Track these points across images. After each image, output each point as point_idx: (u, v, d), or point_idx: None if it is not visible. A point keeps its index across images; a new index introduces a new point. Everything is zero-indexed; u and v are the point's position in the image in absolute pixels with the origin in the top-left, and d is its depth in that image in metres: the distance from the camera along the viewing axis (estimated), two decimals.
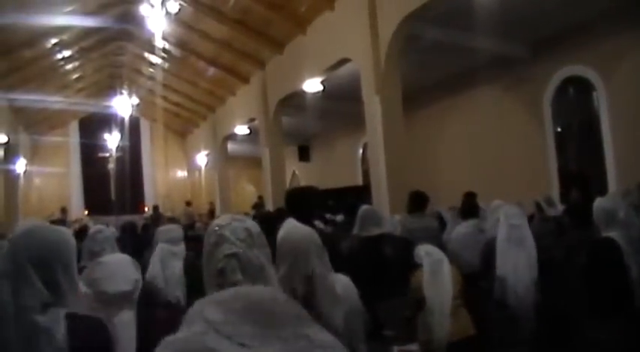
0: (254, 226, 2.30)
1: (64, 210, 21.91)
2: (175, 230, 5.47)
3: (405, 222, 6.85)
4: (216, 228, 2.24)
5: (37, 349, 2.09)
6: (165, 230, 5.41)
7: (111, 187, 27.91)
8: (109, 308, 3.11)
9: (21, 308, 2.11)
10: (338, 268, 3.55)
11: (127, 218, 16.71)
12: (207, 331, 0.71)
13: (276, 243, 2.80)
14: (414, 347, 4.31)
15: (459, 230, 6.78)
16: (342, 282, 3.16)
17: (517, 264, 5.07)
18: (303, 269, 2.74)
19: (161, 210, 21.45)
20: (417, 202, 6.96)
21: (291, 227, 3.08)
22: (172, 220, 17.89)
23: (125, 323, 2.96)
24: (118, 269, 3.32)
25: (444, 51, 12.68)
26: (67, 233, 2.45)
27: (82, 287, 3.21)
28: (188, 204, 23.57)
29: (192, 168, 30.05)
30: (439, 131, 16.98)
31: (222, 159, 23.71)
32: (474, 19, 10.49)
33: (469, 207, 7.16)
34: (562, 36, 12.40)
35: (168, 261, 4.87)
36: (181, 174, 31.39)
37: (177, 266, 4.84)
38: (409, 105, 11.91)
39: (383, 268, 5.02)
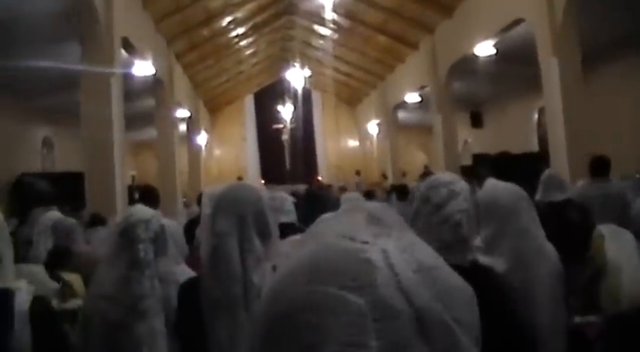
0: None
1: (240, 180, 22.97)
2: (356, 197, 6.11)
3: (582, 189, 6.30)
4: (445, 183, 2.31)
5: (252, 303, 2.23)
6: (347, 198, 5.95)
7: (285, 157, 29.02)
8: None
9: (244, 268, 2.27)
10: None
11: (301, 187, 17.24)
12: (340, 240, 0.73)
13: (478, 202, 2.78)
14: (593, 318, 4.07)
15: None
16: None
17: None
18: (513, 228, 2.72)
19: (332, 179, 21.83)
20: (599, 167, 6.50)
21: (495, 186, 3.01)
22: (344, 189, 18.26)
23: None
24: None
25: (627, 2, 11.78)
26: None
27: None
28: (357, 173, 23.80)
29: (363, 137, 30.26)
30: (622, 92, 15.79)
31: (393, 127, 23.64)
32: None
33: None
34: None
35: None
36: (352, 143, 31.67)
37: None
38: (588, 64, 11.13)
39: (568, 235, 4.78)
